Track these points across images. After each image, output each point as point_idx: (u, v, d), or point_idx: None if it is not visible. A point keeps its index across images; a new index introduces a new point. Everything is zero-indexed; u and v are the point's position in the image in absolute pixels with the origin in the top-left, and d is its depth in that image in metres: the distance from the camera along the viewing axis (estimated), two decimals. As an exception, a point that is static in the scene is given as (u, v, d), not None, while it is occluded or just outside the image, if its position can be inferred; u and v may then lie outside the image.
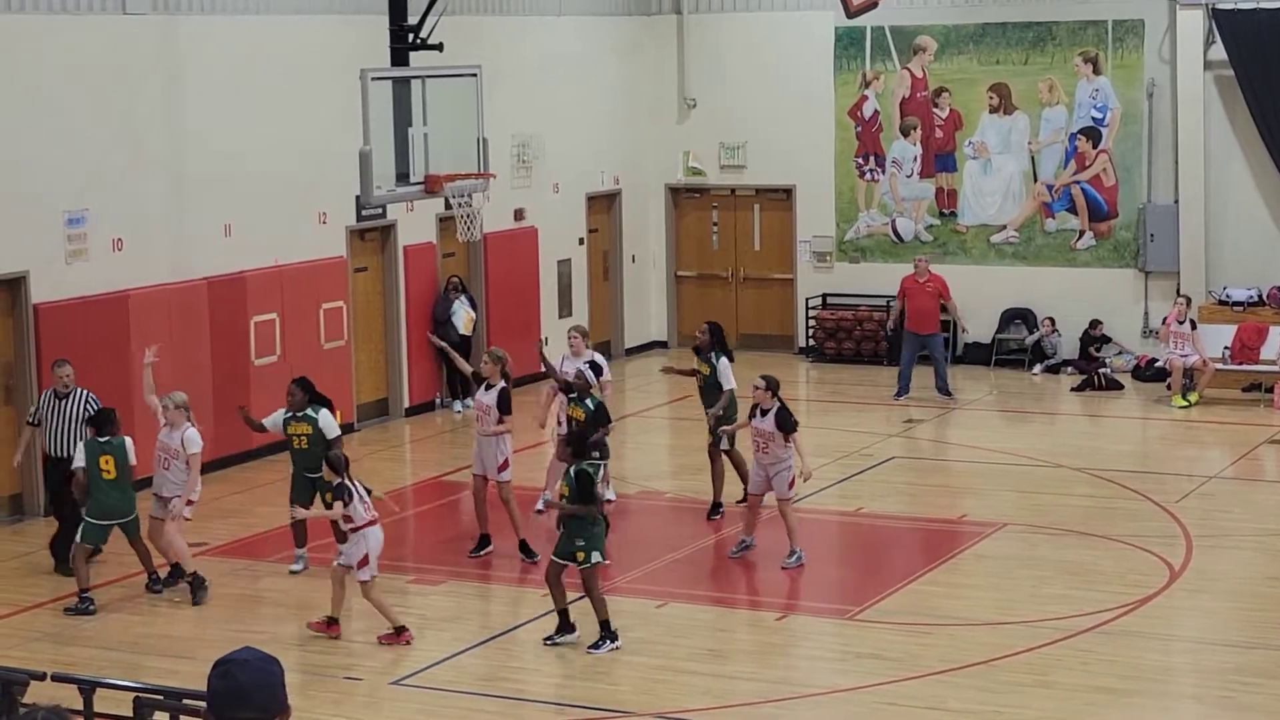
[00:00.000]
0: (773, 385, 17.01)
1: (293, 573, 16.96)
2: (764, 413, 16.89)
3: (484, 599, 16.48)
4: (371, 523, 14.90)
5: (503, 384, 17.35)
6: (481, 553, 17.52)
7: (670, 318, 30.00)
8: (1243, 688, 13.61)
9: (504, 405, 17.32)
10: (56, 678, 11.80)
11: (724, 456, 18.79)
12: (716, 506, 18.87)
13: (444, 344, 20.39)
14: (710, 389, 18.90)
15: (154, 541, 16.44)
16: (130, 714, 10.92)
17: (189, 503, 16.48)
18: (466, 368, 19.24)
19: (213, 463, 21.28)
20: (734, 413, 18.64)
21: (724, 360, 18.96)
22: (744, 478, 18.39)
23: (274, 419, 17.19)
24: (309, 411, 16.84)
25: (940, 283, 25.25)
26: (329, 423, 16.86)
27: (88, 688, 11.50)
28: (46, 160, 19.42)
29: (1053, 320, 26.87)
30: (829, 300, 28.75)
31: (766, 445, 16.86)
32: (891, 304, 28.12)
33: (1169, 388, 24.73)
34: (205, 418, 21.19)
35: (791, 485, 16.96)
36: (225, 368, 21.44)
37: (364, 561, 14.81)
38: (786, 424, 16.84)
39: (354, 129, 18.10)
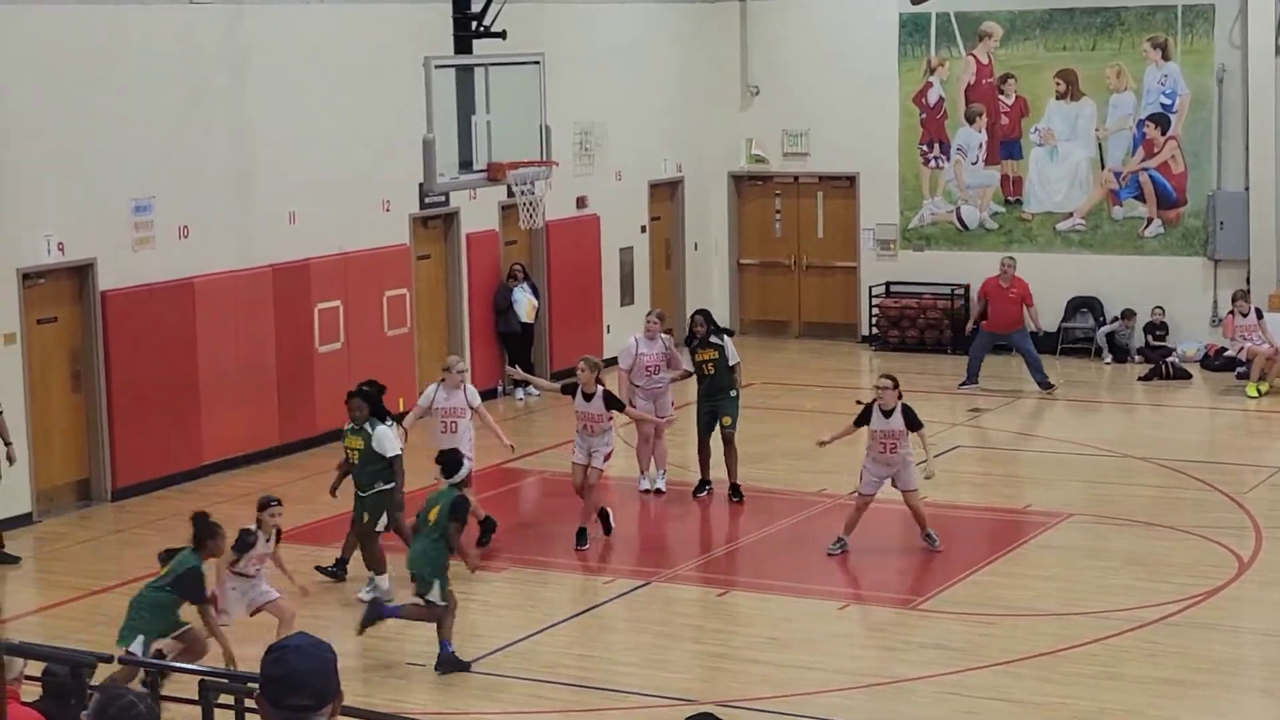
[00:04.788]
0: (898, 384, 16.89)
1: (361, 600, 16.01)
2: (888, 413, 16.65)
3: (545, 585, 16.45)
4: None
5: (601, 388, 17.49)
6: (586, 546, 17.51)
7: (733, 305, 29.92)
8: (1312, 680, 13.46)
9: (614, 404, 17.58)
10: (123, 661, 11.86)
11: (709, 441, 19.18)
12: (707, 484, 19.31)
13: (524, 375, 19.92)
14: (722, 370, 19.06)
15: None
16: (196, 697, 10.97)
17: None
18: (553, 386, 18.97)
19: (276, 449, 21.38)
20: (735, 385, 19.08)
21: (727, 338, 19.31)
22: (733, 471, 18.89)
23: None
24: (366, 426, 16.07)
25: (1024, 288, 24.98)
26: (384, 440, 15.99)
27: (154, 671, 11.56)
28: (113, 148, 19.50)
29: (1132, 312, 26.56)
30: (892, 288, 28.61)
31: (895, 445, 16.66)
32: (956, 293, 28.04)
33: (1238, 377, 24.47)
34: (269, 404, 21.29)
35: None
36: (289, 355, 21.50)
37: None
38: (915, 421, 16.77)
39: (418, 117, 18.10)
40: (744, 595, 15.96)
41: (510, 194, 19.26)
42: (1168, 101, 26.89)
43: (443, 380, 17.52)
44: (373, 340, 22.64)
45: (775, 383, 25.35)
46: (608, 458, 17.58)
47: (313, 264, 21.85)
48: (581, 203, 26.60)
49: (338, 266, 22.21)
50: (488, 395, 24.60)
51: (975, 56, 27.92)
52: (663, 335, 19.43)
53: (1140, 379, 25.64)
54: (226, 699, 11.01)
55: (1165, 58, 26.82)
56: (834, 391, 24.04)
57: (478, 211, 24.35)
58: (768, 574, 16.98)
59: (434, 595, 14.03)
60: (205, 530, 13.03)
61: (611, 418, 17.60)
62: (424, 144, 17.82)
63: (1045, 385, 24.61)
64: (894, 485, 16.89)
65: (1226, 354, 25.60)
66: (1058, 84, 27.51)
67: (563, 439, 18.85)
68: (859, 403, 17.36)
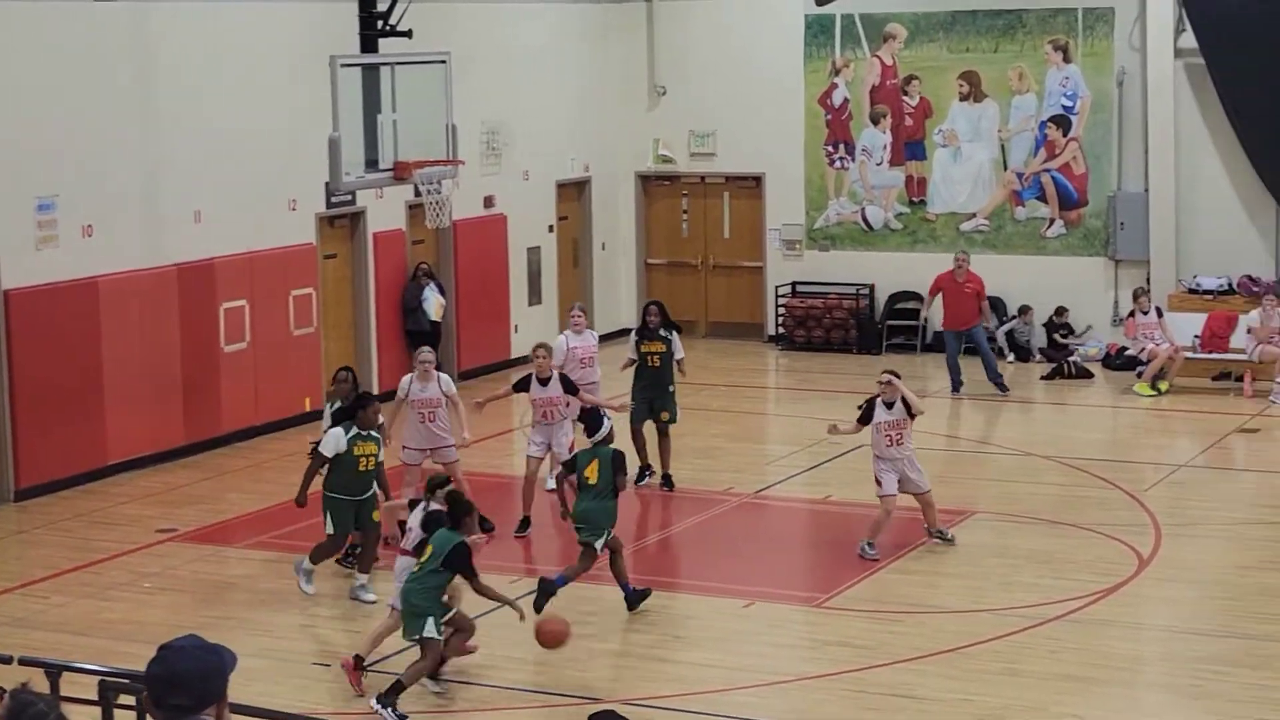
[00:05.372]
0: (899, 378, 17.04)
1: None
2: (890, 405, 16.80)
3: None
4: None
5: (556, 372, 17.95)
6: (526, 533, 17.87)
7: (640, 305, 29.92)
8: (1212, 676, 13.63)
9: (570, 387, 17.94)
10: (24, 661, 11.76)
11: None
12: (647, 469, 19.64)
13: (489, 400, 18.84)
14: (666, 364, 19.43)
15: None
16: (96, 698, 10.89)
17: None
18: (505, 392, 18.65)
19: (181, 449, 21.25)
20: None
21: (675, 333, 19.69)
22: (667, 463, 19.22)
23: (334, 441, 15.68)
24: (374, 432, 15.81)
25: (979, 283, 25.00)
26: (325, 441, 15.82)
27: (54, 671, 11.46)
28: (16, 146, 19.33)
29: (1028, 308, 26.82)
30: (798, 288, 28.76)
31: (901, 436, 16.79)
32: (861, 293, 28.21)
33: (1140, 376, 24.76)
34: (174, 404, 21.16)
35: None
36: (194, 354, 21.39)
37: None
38: (912, 411, 16.96)
39: (324, 116, 18.06)
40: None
41: (417, 193, 19.27)
42: (1069, 103, 27.17)
43: (414, 373, 17.69)
44: (279, 340, 22.55)
45: (682, 382, 25.31)
46: (571, 448, 17.65)
47: (218, 263, 21.74)
48: (489, 202, 26.58)
49: (243, 266, 22.10)
50: (395, 394, 24.53)
51: (880, 58, 28.11)
52: (588, 330, 19.69)
53: (1043, 378, 25.89)
54: (127, 699, 10.94)
55: (1066, 60, 27.10)
56: (740, 391, 24.14)
57: (384, 210, 24.29)
58: (673, 572, 17.06)
59: (599, 542, 14.88)
60: (462, 507, 13.40)
61: (569, 403, 17.78)
62: (330, 143, 17.79)
63: (999, 385, 24.69)
64: (905, 490, 16.86)
65: (1127, 353, 25.90)
66: (961, 86, 27.73)
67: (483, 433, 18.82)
68: (859, 408, 17.23)
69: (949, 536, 17.15)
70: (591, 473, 14.91)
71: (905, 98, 28.07)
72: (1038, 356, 26.80)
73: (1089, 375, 25.98)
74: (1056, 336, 26.71)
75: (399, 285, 24.69)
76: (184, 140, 21.27)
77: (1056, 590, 15.68)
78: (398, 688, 12.89)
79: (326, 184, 20.74)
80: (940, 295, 25.28)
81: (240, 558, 17.28)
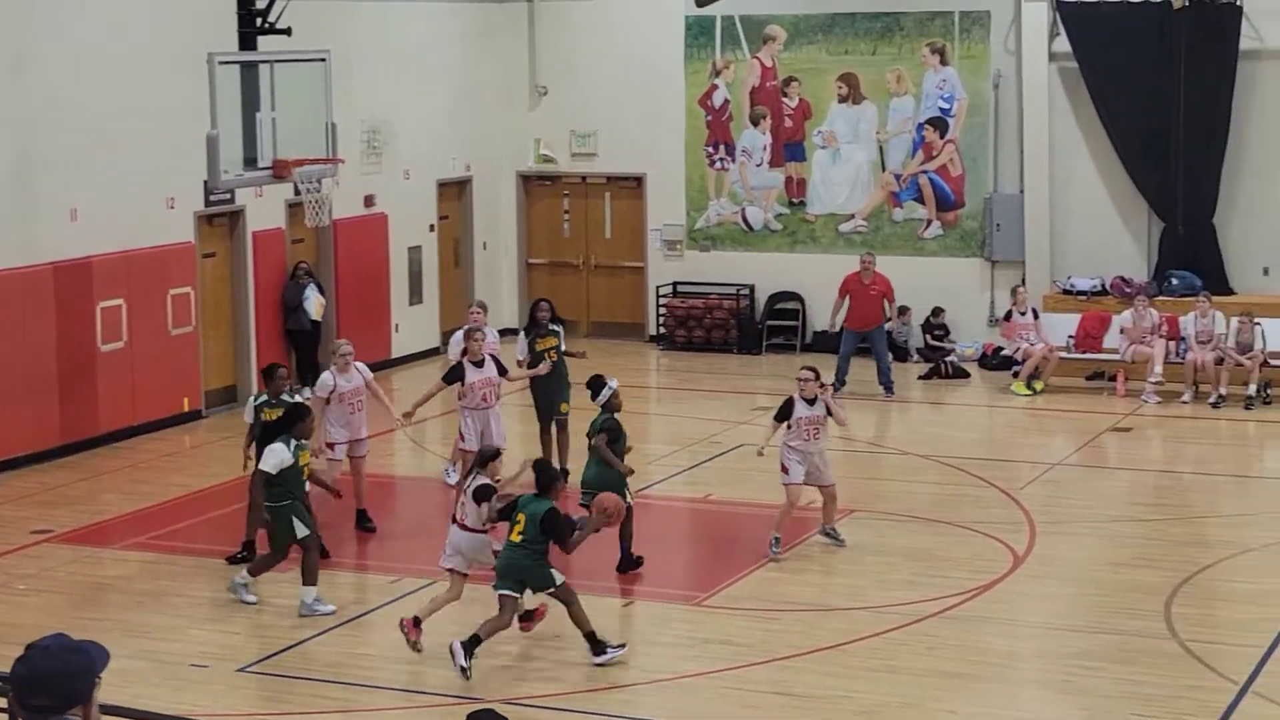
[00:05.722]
0: (819, 374, 17.11)
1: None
2: (810, 401, 16.79)
3: (331, 586, 16.34)
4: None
5: (488, 355, 18.34)
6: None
7: (522, 305, 29.94)
8: (1084, 672, 13.82)
9: (502, 368, 18.44)
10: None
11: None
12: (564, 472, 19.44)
13: (417, 406, 18.69)
14: (561, 357, 19.68)
15: None
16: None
17: None
18: (437, 387, 18.58)
19: (58, 449, 21.02)
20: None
21: (561, 326, 20.09)
22: (566, 457, 19.43)
23: (279, 458, 15.29)
24: (305, 441, 15.65)
25: (886, 284, 25.12)
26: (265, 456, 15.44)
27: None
28: (-115, 142, 19.06)
29: (906, 309, 27.05)
30: (679, 288, 28.86)
31: (818, 431, 16.84)
32: (742, 293, 28.36)
33: (1015, 375, 25.05)
34: (50, 404, 20.93)
35: None
36: (71, 354, 21.17)
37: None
38: (829, 409, 17.01)
39: (202, 113, 17.93)
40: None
41: (297, 192, 19.16)
42: (946, 106, 27.44)
43: (335, 366, 17.64)
44: (157, 339, 22.36)
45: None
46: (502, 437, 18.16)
47: (95, 261, 21.52)
48: (369, 201, 26.48)
49: (120, 264, 21.90)
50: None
51: (760, 59, 28.27)
52: (487, 326, 19.69)
53: (920, 378, 26.14)
54: None
55: (943, 63, 27.38)
56: (621, 390, 24.14)
57: (264, 209, 24.14)
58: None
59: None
60: (551, 475, 14.33)
61: (500, 384, 18.13)
62: (208, 140, 17.68)
63: (888, 389, 24.87)
64: (810, 482, 16.92)
65: (1003, 353, 26.19)
66: (840, 87, 27.94)
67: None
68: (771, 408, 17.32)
69: (840, 537, 17.15)
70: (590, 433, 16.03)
71: (785, 99, 28.24)
72: (915, 357, 27.05)
73: (965, 375, 26.27)
74: (929, 338, 26.94)
75: (279, 284, 24.55)
76: (59, 137, 21.05)
77: (933, 588, 15.85)
78: (475, 640, 13.65)
79: (205, 182, 20.59)
80: (850, 298, 25.31)
81: (117, 559, 17.13)
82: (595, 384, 16.86)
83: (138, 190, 22.10)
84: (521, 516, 13.78)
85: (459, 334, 19.06)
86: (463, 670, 13.49)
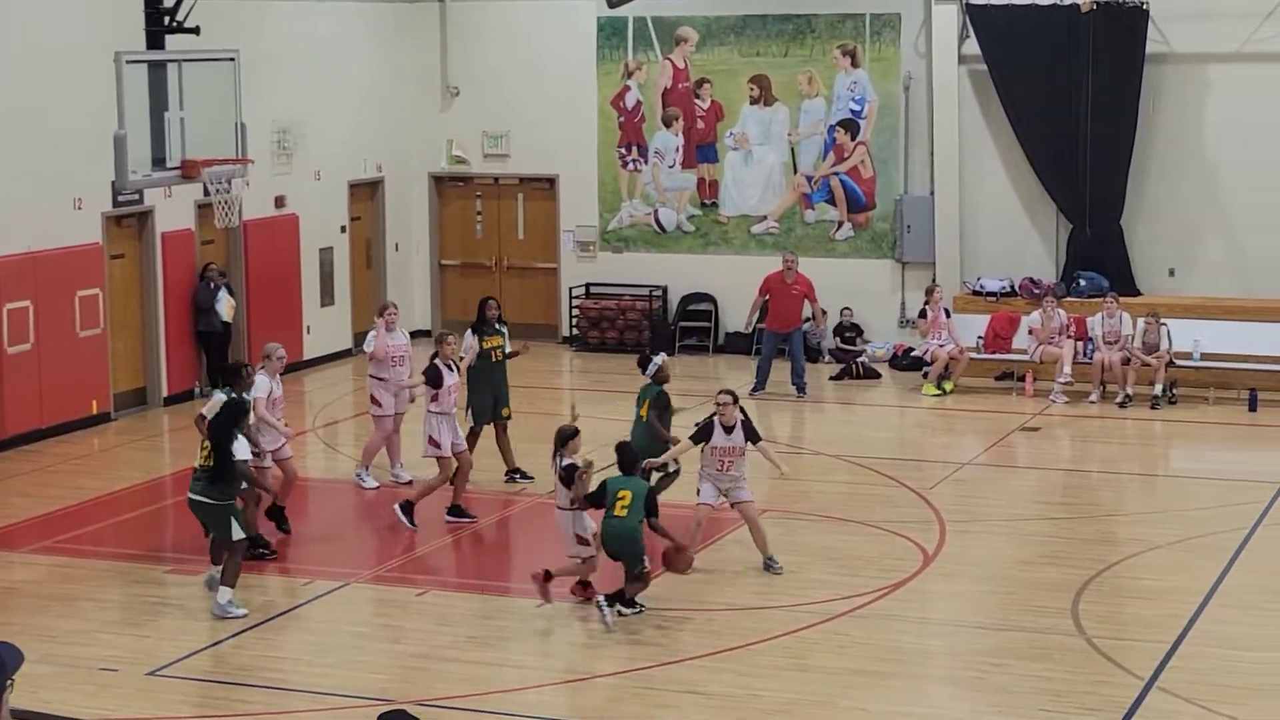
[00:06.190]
0: (737, 398, 16.64)
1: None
2: (729, 429, 16.27)
3: (243, 589, 16.26)
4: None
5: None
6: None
7: (435, 306, 29.92)
8: (993, 668, 13.93)
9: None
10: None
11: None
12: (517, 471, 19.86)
13: (410, 383, 19.35)
14: (503, 357, 19.69)
15: None
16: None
17: None
18: (417, 383, 18.68)
19: (-37, 453, 20.83)
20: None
21: (505, 329, 20.02)
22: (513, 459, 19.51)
23: (245, 449, 15.64)
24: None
25: (806, 284, 25.07)
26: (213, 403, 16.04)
27: None
28: None
29: (822, 311, 27.04)
30: (592, 290, 28.88)
31: (733, 463, 16.30)
32: (655, 294, 28.41)
33: (925, 376, 25.22)
34: (-45, 407, 20.71)
35: None
36: (-24, 356, 20.96)
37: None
38: (754, 434, 16.58)
39: (109, 113, 17.80)
40: (444, 595, 15.99)
41: (206, 192, 19.08)
42: (857, 108, 27.59)
43: (263, 366, 17.57)
44: (64, 341, 22.17)
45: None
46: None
47: (1, 263, 21.31)
48: (280, 202, 26.36)
49: (26, 265, 21.69)
50: (185, 396, 24.26)
51: (672, 61, 28.33)
52: (399, 329, 19.76)
53: (831, 378, 26.27)
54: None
55: (855, 65, 27.52)
56: (535, 392, 24.13)
57: (173, 210, 23.98)
58: (467, 573, 17.07)
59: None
60: (633, 456, 15.49)
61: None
62: (116, 140, 17.55)
63: (801, 390, 24.94)
64: (726, 497, 16.55)
65: (914, 354, 26.36)
66: (752, 89, 28.04)
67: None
68: (696, 424, 16.87)
69: (777, 567, 16.48)
70: (644, 410, 16.81)
71: (697, 101, 28.32)
72: (827, 357, 27.16)
73: (876, 376, 26.42)
74: (839, 341, 27.03)
75: (188, 285, 24.39)
76: (-35, 137, 20.84)
77: (844, 586, 15.93)
78: (620, 595, 14.89)
79: (113, 183, 20.44)
80: (770, 297, 25.27)
81: (24, 563, 16.97)
82: (643, 360, 18.07)
83: (44, 191, 21.90)
84: (627, 494, 14.93)
85: (469, 335, 19.44)
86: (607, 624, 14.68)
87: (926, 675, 14.23)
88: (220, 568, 15.48)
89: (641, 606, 15.04)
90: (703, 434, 16.45)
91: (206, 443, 15.41)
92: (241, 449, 15.30)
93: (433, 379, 18.01)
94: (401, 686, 13.62)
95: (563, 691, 13.59)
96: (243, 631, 14.89)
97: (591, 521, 15.44)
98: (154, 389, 24.14)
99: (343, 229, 28.02)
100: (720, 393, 16.74)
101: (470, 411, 19.30)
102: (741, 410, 16.61)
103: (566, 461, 15.30)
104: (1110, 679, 13.63)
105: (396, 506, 17.99)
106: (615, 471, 15.65)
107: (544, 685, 13.64)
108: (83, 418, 22.54)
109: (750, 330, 26.73)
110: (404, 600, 15.81)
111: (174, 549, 17.50)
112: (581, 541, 15.41)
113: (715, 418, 16.42)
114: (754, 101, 28.07)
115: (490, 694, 13.43)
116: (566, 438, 15.44)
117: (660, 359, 18.12)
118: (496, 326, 19.67)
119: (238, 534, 15.27)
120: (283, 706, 13.31)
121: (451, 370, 18.20)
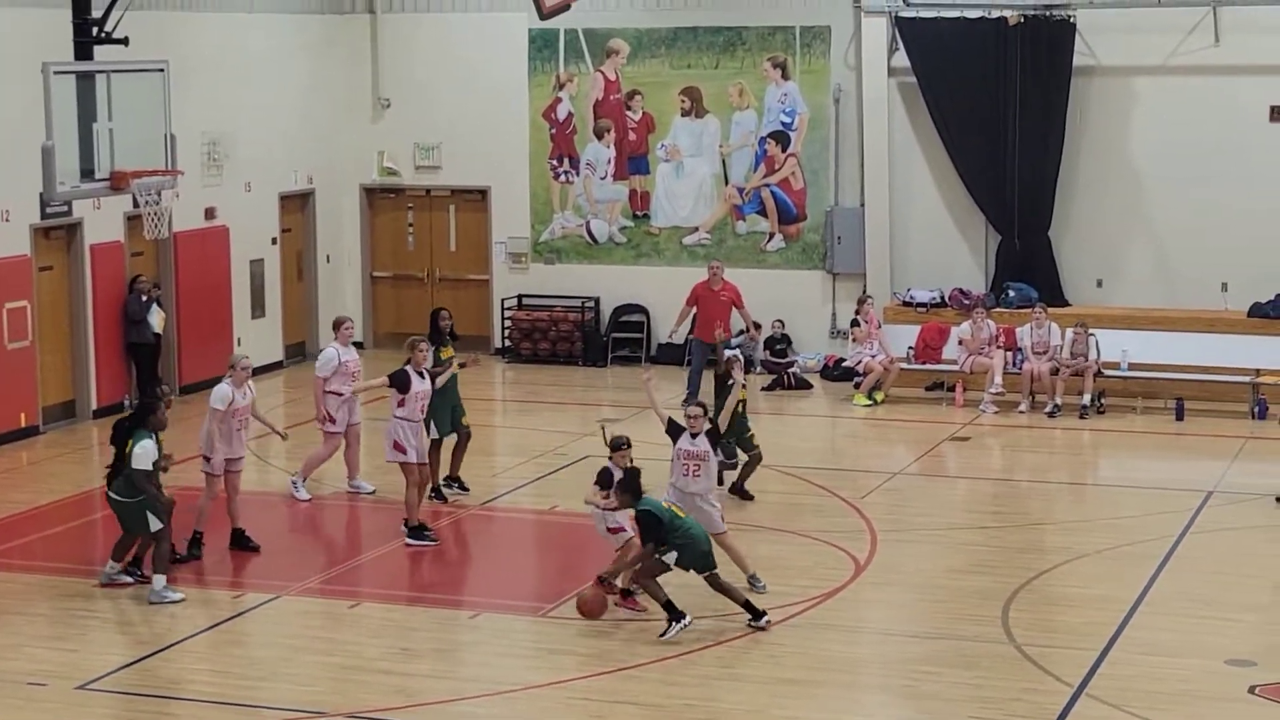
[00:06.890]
0: (707, 411, 16.76)
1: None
2: (694, 436, 16.30)
3: (176, 603, 16.20)
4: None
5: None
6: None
7: (366, 318, 29.82)
8: (925, 676, 14.02)
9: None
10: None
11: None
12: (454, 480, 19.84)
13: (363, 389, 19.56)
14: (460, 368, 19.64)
15: None
16: None
17: None
18: (383, 383, 18.48)
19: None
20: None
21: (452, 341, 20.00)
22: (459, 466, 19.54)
23: (150, 454, 15.99)
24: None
25: (734, 291, 24.91)
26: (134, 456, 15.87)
27: None
28: None
29: (757, 325, 26.97)
30: (524, 301, 28.88)
31: (699, 468, 16.27)
32: (587, 306, 28.43)
33: (857, 386, 25.32)
34: (-120, 421, 20.53)
35: None
36: (-98, 369, 20.79)
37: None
38: (715, 434, 16.65)
39: (37, 124, 17.68)
40: (376, 606, 15.96)
41: (136, 204, 18.99)
42: (788, 120, 27.69)
43: (230, 377, 17.47)
44: (-9, 354, 22.02)
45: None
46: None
47: (-73, 275, 21.17)
48: (210, 214, 26.24)
49: (-46, 278, 21.55)
50: (114, 409, 24.07)
51: (603, 73, 28.36)
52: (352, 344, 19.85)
53: (763, 389, 26.33)
54: None
55: (785, 77, 27.62)
56: (467, 403, 24.10)
57: (102, 222, 23.84)
58: (400, 584, 17.03)
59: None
60: (638, 480, 15.36)
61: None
62: (43, 151, 17.45)
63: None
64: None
65: (845, 364, 26.46)
66: (683, 101, 28.10)
67: (192, 452, 18.55)
68: (671, 419, 16.84)
69: (761, 585, 16.21)
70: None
71: (628, 112, 28.36)
72: (759, 368, 27.22)
73: (808, 386, 26.51)
74: (770, 353, 27.06)
75: (118, 297, 24.25)
76: (-109, 149, 20.68)
77: (777, 596, 15.98)
78: (750, 608, 15.19)
79: (41, 194, 20.30)
80: (698, 305, 25.15)
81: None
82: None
83: (-28, 202, 21.74)
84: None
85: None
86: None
87: (858, 683, 14.30)
88: (118, 564, 16.18)
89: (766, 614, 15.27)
90: (675, 430, 16.53)
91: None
92: (142, 458, 15.70)
93: (400, 383, 17.91)
94: (335, 698, 13.59)
95: (496, 703, 13.58)
96: (172, 645, 14.82)
97: (617, 515, 15.76)
98: (83, 402, 23.98)
99: (273, 240, 27.92)
100: (693, 405, 16.89)
101: (432, 424, 19.20)
102: (711, 421, 16.71)
103: (603, 466, 15.86)
104: (1040, 686, 13.74)
105: (407, 539, 17.84)
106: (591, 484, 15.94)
107: (478, 697, 13.63)
108: (11, 431, 22.38)
109: (679, 340, 26.76)
110: (336, 612, 15.76)
111: (103, 562, 17.35)
112: (614, 531, 15.81)
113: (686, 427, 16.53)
114: (685, 113, 28.13)
115: (425, 705, 13.42)
116: (618, 445, 15.90)
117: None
118: (448, 337, 19.63)
119: (154, 525, 15.81)
120: None
121: (422, 378, 18.08)
